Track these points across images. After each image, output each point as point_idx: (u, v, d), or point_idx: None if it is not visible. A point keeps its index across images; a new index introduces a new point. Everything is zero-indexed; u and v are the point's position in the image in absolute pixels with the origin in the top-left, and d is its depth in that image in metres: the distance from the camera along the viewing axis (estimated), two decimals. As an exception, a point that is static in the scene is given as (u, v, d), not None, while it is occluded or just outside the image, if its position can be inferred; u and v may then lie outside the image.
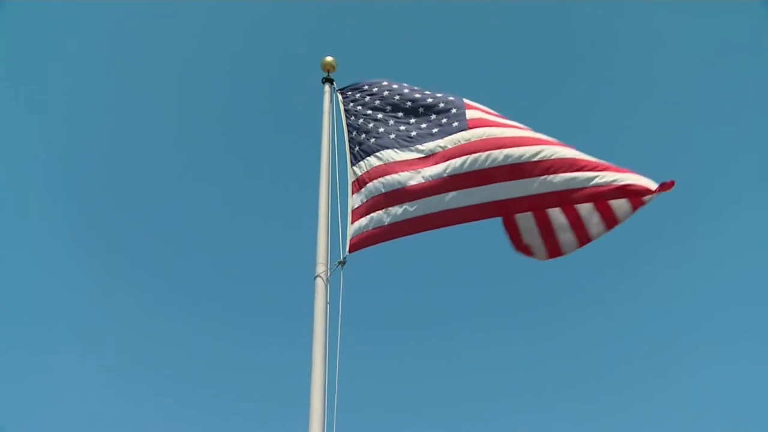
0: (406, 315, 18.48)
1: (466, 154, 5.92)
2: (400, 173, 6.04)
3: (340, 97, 7.05)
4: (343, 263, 5.72)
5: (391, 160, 6.17)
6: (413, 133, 6.32)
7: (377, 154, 6.27)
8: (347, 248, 5.82)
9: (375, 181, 6.12)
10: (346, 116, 6.86)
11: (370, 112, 6.75)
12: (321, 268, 5.65)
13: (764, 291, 16.26)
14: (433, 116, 6.43)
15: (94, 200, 18.41)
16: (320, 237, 5.88)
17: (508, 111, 6.38)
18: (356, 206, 6.11)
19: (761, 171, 17.33)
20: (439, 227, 5.93)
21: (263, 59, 20.22)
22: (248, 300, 18.80)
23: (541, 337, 18.31)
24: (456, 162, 5.93)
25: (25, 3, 16.19)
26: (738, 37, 17.58)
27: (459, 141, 6.06)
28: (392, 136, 6.39)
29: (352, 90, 7.07)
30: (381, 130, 6.49)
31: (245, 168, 20.03)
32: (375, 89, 6.89)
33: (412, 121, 6.50)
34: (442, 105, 6.48)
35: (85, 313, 17.13)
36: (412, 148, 6.20)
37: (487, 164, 5.82)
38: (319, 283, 5.57)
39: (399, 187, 5.98)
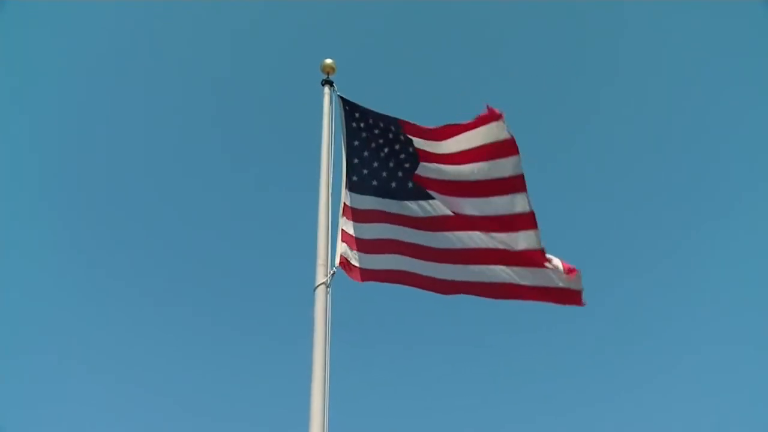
0: (406, 318, 18.45)
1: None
2: (395, 225, 6.42)
3: (342, 110, 6.87)
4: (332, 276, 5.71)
5: (387, 210, 6.48)
6: (393, 185, 6.56)
7: (372, 197, 6.54)
8: (337, 261, 5.91)
9: (373, 224, 6.44)
10: (348, 136, 6.77)
11: (366, 142, 6.75)
12: (321, 277, 5.59)
13: (765, 292, 16.24)
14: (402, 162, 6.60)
15: (92, 204, 18.40)
16: (320, 245, 5.81)
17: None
18: (348, 232, 6.30)
19: (762, 172, 17.31)
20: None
21: (262, 62, 20.16)
22: (247, 304, 18.78)
23: (541, 340, 18.30)
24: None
25: (26, 3, 16.16)
26: (738, 37, 17.54)
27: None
28: (383, 176, 6.61)
29: (352, 107, 6.85)
30: (381, 171, 6.62)
31: (242, 171, 19.98)
32: (371, 120, 6.72)
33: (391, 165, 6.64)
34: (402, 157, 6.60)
35: (85, 315, 17.15)
36: (400, 202, 6.50)
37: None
38: (320, 291, 5.50)
39: (398, 238, 6.39)
